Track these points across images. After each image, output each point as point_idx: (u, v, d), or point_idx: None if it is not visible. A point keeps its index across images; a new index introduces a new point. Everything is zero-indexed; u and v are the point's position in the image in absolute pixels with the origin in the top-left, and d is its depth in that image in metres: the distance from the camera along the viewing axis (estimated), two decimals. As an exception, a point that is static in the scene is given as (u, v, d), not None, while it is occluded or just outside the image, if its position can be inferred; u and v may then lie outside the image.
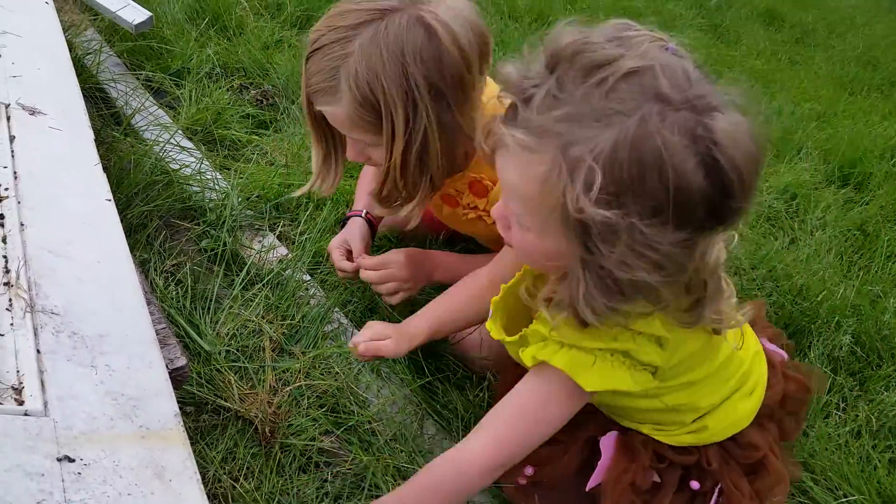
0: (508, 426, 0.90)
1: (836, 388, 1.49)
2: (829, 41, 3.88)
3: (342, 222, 1.54)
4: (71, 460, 0.74)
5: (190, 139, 1.83)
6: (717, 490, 1.00)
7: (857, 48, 3.74)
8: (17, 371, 0.81)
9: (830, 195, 2.24)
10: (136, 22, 1.97)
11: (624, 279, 0.72)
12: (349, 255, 1.45)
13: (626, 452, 0.99)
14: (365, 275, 1.39)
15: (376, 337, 1.16)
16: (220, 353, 1.23)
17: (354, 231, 1.49)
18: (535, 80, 0.73)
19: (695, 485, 1.00)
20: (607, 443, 1.00)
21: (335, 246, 1.46)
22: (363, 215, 1.52)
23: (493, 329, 0.99)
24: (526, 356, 0.90)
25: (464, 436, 0.97)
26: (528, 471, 1.07)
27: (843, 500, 1.25)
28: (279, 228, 1.61)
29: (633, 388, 0.85)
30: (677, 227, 0.69)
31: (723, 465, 1.02)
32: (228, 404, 1.14)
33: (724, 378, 0.99)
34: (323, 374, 1.25)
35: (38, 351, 0.84)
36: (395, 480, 1.11)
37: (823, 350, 1.57)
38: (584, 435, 1.03)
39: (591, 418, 1.04)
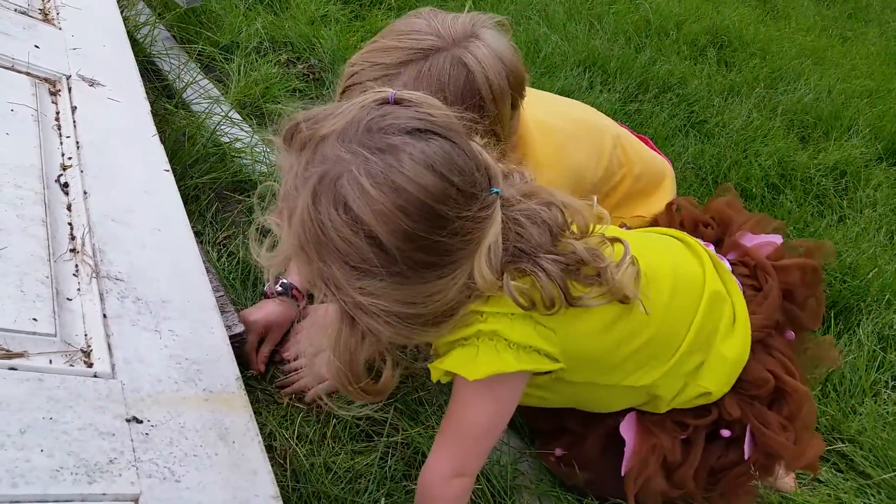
0: (446, 434, 0.90)
1: (886, 365, 1.48)
2: (884, 16, 3.76)
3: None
4: (139, 421, 0.78)
5: (239, 112, 1.86)
6: (747, 434, 1.00)
7: (914, 23, 3.63)
8: (86, 335, 0.84)
9: (881, 173, 2.20)
10: (186, -4, 1.99)
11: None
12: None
13: (646, 434, 1.00)
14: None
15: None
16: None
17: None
18: None
19: (725, 433, 1.00)
20: (627, 426, 1.01)
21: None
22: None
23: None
24: (433, 376, 0.90)
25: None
26: (558, 451, 1.10)
27: (894, 474, 1.25)
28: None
29: (518, 366, 0.82)
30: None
31: (744, 409, 1.00)
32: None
33: (672, 342, 0.95)
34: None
35: (105, 315, 0.87)
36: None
37: (873, 328, 1.55)
38: (603, 429, 1.04)
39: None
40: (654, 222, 1.24)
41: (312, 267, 0.77)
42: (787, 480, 1.17)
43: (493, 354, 0.82)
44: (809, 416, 1.00)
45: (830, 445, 1.32)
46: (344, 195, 0.72)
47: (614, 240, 0.87)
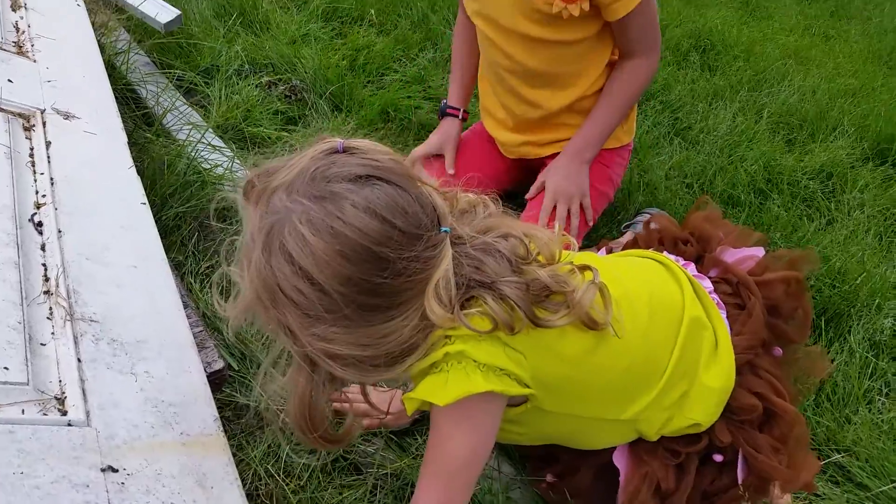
0: (429, 468, 0.88)
1: (878, 373, 1.47)
2: (865, 13, 3.77)
3: (440, 113, 1.71)
4: (115, 470, 0.76)
5: (221, 137, 1.84)
6: (739, 458, 0.99)
7: None
8: (60, 381, 0.82)
9: (868, 174, 2.19)
10: (165, 21, 1.98)
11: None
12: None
13: (638, 462, 0.98)
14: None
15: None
16: (258, 353, 1.24)
17: (447, 132, 1.68)
18: None
19: (717, 458, 0.99)
20: (620, 455, 1.00)
21: (418, 154, 1.67)
22: (460, 115, 1.67)
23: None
24: (408, 408, 0.88)
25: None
26: (549, 478, 1.08)
27: (893, 486, 1.24)
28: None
29: (487, 386, 0.81)
30: None
31: (735, 434, 0.98)
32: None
33: (654, 371, 0.94)
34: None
35: (79, 360, 0.86)
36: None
37: (864, 334, 1.54)
38: (595, 459, 1.02)
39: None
40: (634, 241, 1.23)
41: (270, 315, 0.78)
42: (783, 500, 1.16)
43: (462, 376, 0.81)
44: (801, 436, 0.99)
45: (827, 457, 1.30)
46: (289, 246, 0.74)
47: (584, 267, 0.86)
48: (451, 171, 1.62)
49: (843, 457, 1.30)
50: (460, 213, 0.87)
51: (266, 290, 0.76)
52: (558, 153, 1.56)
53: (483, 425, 0.86)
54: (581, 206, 1.50)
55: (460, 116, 1.70)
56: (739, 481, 0.97)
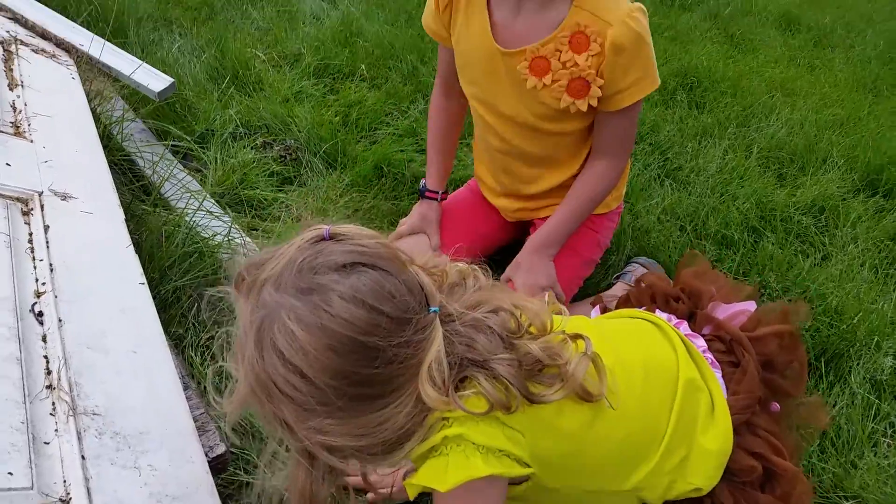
0: None
1: (881, 415, 1.47)
2: (848, 41, 3.82)
3: (420, 192, 1.71)
4: (121, 571, 0.76)
5: (218, 202, 1.86)
6: None
7: (878, 46, 3.68)
8: (65, 481, 0.83)
9: (860, 205, 2.21)
10: (158, 89, 2.02)
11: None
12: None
13: None
14: None
15: None
16: (259, 428, 1.25)
17: (428, 217, 1.68)
18: None
19: None
20: None
21: (404, 233, 1.67)
22: (438, 198, 1.69)
23: None
24: (410, 494, 0.88)
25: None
26: None
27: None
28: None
29: (488, 470, 0.81)
30: None
31: (737, 496, 0.98)
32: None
33: (653, 438, 0.94)
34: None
35: (83, 457, 0.87)
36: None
37: (865, 374, 1.54)
38: None
39: None
40: (627, 299, 1.24)
41: (265, 409, 0.79)
42: None
43: (462, 460, 0.81)
44: (803, 496, 0.99)
45: (833, 504, 1.30)
46: (278, 341, 0.75)
47: (576, 336, 0.87)
48: (435, 251, 1.61)
49: (851, 503, 1.30)
50: (450, 287, 0.87)
51: (260, 385, 0.77)
52: None
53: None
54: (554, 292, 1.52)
55: (439, 199, 1.71)
56: None
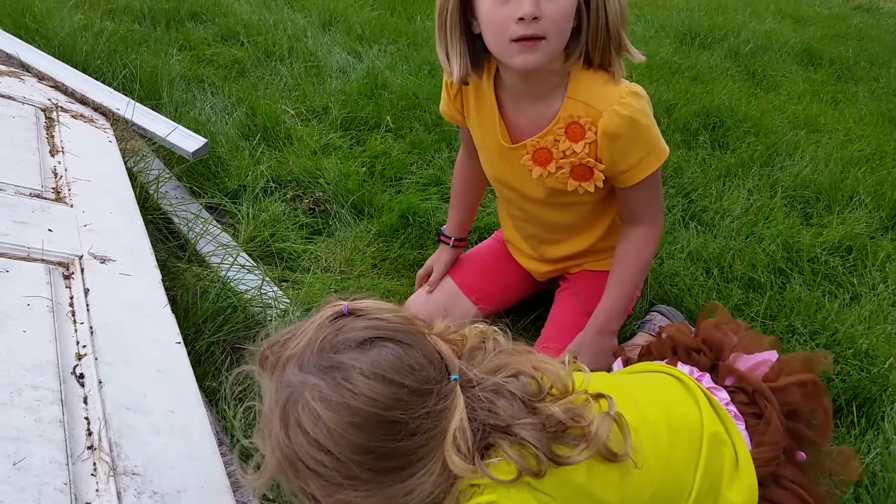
0: None
1: (917, 461, 1.45)
2: (872, 73, 3.83)
3: (438, 237, 1.85)
4: None
5: (250, 255, 1.92)
6: None
7: (903, 78, 3.69)
8: (106, 543, 0.86)
9: (889, 244, 2.20)
10: (192, 150, 2.09)
11: None
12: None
13: None
14: None
15: None
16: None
17: (439, 257, 1.79)
18: None
19: None
20: None
21: (421, 274, 1.81)
22: (451, 243, 1.79)
23: None
24: None
25: None
26: None
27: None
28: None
29: None
30: None
31: None
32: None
33: (680, 493, 0.94)
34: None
35: (123, 517, 0.90)
36: None
37: (898, 418, 1.53)
38: None
39: None
40: (648, 350, 1.25)
41: (293, 485, 0.82)
42: None
43: None
44: None
45: (869, 553, 1.28)
46: (303, 422, 0.78)
47: (598, 396, 0.89)
48: (429, 292, 1.77)
49: (887, 552, 1.28)
50: (470, 350, 0.90)
51: (287, 462, 0.80)
52: (585, 271, 1.65)
53: None
54: None
55: (451, 244, 1.80)
56: None
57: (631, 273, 1.51)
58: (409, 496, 0.80)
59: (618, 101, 1.31)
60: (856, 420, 1.52)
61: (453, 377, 0.83)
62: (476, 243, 2.04)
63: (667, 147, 1.40)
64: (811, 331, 1.78)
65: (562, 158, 1.39)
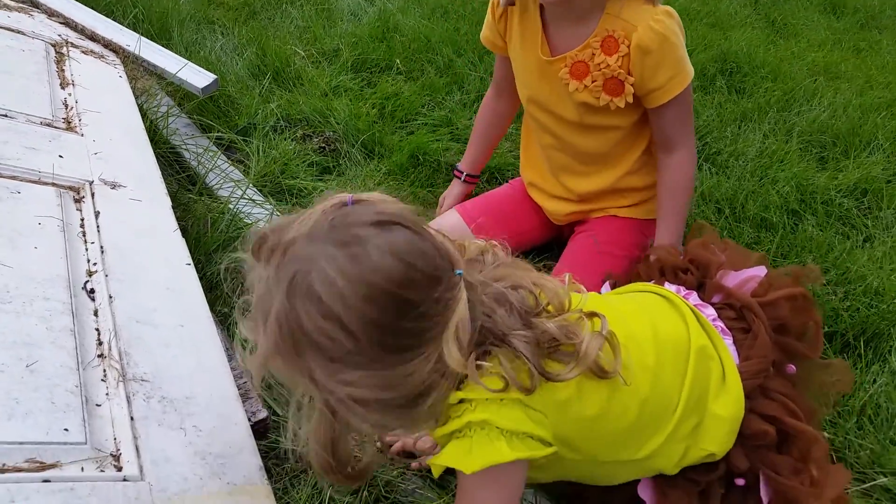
0: None
1: (923, 395, 1.45)
2: (897, 22, 3.74)
3: (452, 170, 1.93)
4: (168, 521, 0.81)
5: (260, 191, 1.92)
6: (761, 481, 0.99)
7: (929, 26, 3.60)
8: (115, 439, 0.88)
9: (905, 188, 2.17)
10: (202, 86, 2.09)
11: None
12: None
13: (663, 494, 1.00)
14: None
15: None
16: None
17: (451, 191, 1.91)
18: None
19: (740, 481, 1.00)
20: (644, 489, 1.01)
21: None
22: (462, 178, 1.90)
23: None
24: (435, 472, 0.90)
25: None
26: None
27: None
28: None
29: (513, 455, 0.82)
30: None
31: (752, 459, 0.99)
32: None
33: (667, 407, 0.95)
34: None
35: (132, 418, 0.92)
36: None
37: (906, 354, 1.52)
38: (623, 495, 1.04)
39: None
40: (636, 273, 1.25)
41: (291, 365, 0.79)
42: None
43: (487, 444, 0.83)
44: (821, 455, 0.99)
45: (872, 480, 1.29)
46: (317, 290, 0.75)
47: (592, 314, 0.89)
48: (438, 216, 1.83)
49: (889, 479, 1.29)
50: (468, 261, 0.89)
51: (290, 338, 0.77)
52: (603, 217, 1.66)
53: (509, 486, 0.88)
54: None
55: (463, 178, 1.91)
56: (765, 503, 0.98)
57: (682, 202, 1.54)
58: (406, 379, 0.79)
59: (653, 18, 1.37)
60: (863, 353, 1.52)
61: (458, 272, 0.82)
62: (487, 183, 2.04)
63: (692, 69, 1.44)
64: (822, 269, 1.77)
65: (596, 71, 1.43)
